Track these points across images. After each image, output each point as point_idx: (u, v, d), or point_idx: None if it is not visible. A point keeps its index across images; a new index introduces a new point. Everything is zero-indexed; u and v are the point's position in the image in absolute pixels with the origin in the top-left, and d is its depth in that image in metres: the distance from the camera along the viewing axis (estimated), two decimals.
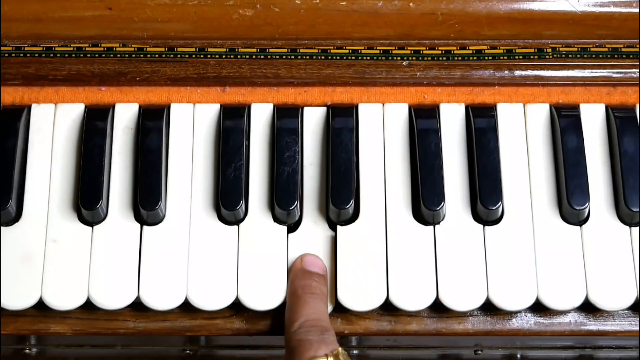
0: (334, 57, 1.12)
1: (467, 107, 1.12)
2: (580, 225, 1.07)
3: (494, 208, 1.06)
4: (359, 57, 1.12)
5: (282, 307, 1.05)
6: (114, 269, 1.05)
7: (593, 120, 1.11)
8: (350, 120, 1.10)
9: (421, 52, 1.12)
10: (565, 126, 1.09)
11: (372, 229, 1.07)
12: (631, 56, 1.12)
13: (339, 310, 1.05)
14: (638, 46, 1.12)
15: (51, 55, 1.12)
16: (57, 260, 1.06)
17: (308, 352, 0.96)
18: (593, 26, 1.12)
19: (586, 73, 1.12)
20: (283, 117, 1.10)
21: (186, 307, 1.05)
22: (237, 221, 1.07)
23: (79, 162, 1.09)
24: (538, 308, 1.05)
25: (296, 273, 1.04)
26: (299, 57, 1.12)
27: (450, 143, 1.10)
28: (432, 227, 1.07)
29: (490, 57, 1.12)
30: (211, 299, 1.05)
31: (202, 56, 1.12)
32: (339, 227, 1.07)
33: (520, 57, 1.12)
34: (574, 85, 1.12)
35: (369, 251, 1.06)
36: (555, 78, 1.12)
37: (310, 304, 1.01)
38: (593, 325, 1.06)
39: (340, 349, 0.97)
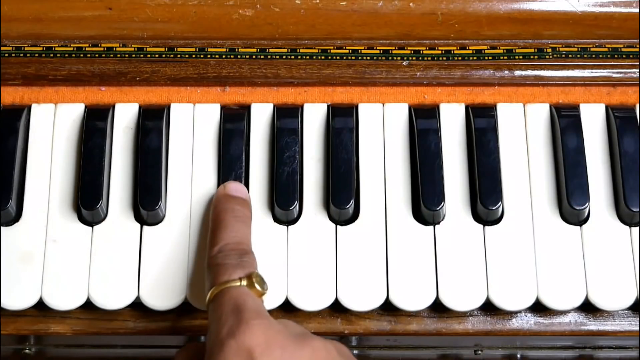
0: (334, 57, 1.12)
1: (467, 107, 1.12)
2: (580, 225, 1.07)
3: (494, 208, 1.06)
4: (359, 57, 1.12)
5: (282, 308, 1.05)
6: (113, 269, 1.05)
7: (593, 120, 1.11)
8: (350, 120, 1.10)
9: (421, 52, 1.12)
10: (565, 126, 1.10)
11: (372, 229, 1.07)
12: (631, 56, 1.12)
13: (339, 310, 1.05)
14: (638, 46, 1.12)
15: (51, 55, 1.12)
16: (57, 260, 1.06)
17: (223, 275, 0.96)
18: (593, 26, 1.12)
19: (586, 73, 1.12)
20: (283, 117, 1.10)
21: (186, 307, 1.05)
22: None
23: (79, 162, 1.09)
24: (538, 308, 1.05)
25: (219, 198, 1.05)
26: (299, 57, 1.12)
27: (450, 143, 1.10)
28: (432, 227, 1.07)
29: (490, 57, 1.12)
30: None
31: (202, 56, 1.12)
32: (339, 227, 1.07)
33: (520, 57, 1.12)
34: (574, 85, 1.12)
35: (369, 251, 1.06)
36: (555, 78, 1.12)
37: (232, 227, 1.01)
38: (593, 325, 1.06)
39: (255, 271, 0.97)
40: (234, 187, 1.06)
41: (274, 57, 1.12)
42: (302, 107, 1.12)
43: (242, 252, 0.99)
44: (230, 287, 0.95)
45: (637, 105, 1.12)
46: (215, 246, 1.00)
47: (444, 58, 1.12)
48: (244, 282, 0.96)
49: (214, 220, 1.03)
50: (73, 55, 1.12)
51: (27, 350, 1.18)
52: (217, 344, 0.90)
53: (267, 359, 0.89)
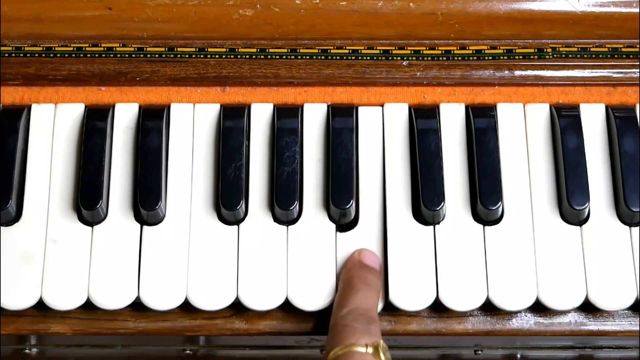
0: (334, 57, 1.12)
1: (467, 107, 1.12)
2: (580, 225, 1.07)
3: (494, 208, 1.06)
4: (359, 57, 1.12)
5: (282, 308, 1.05)
6: (114, 269, 1.05)
7: (593, 120, 1.11)
8: (351, 121, 1.10)
9: (421, 52, 1.12)
10: (565, 126, 1.10)
11: (372, 229, 1.07)
12: (631, 56, 1.12)
13: None
14: (638, 46, 1.12)
15: (51, 55, 1.12)
16: (57, 260, 1.06)
17: (350, 338, 0.96)
18: (593, 26, 1.12)
19: (586, 73, 1.12)
20: (283, 117, 1.10)
21: (186, 307, 1.05)
22: (237, 221, 1.07)
23: (79, 162, 1.09)
24: (538, 308, 1.05)
25: (353, 264, 1.04)
26: (299, 57, 1.12)
27: (450, 143, 1.10)
28: (432, 227, 1.07)
29: (490, 57, 1.12)
30: (211, 299, 1.05)
31: (202, 56, 1.12)
32: (338, 232, 1.07)
33: (520, 57, 1.12)
34: (574, 85, 1.12)
35: None
36: (555, 78, 1.12)
37: (362, 293, 1.01)
38: (593, 325, 1.06)
39: (381, 342, 0.97)
40: (369, 257, 1.05)
41: (274, 57, 1.12)
42: (302, 107, 1.12)
43: (370, 319, 0.99)
44: (356, 352, 0.95)
45: (637, 105, 1.12)
46: (344, 308, 1.00)
47: (444, 58, 1.12)
48: (370, 350, 0.95)
49: (346, 283, 1.03)
50: (73, 55, 1.12)
51: (27, 350, 1.18)
52: None
53: None
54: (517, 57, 1.12)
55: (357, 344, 0.95)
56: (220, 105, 1.12)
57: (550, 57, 1.12)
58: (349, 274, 1.03)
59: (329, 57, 1.12)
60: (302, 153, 1.10)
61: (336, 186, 1.07)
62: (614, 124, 1.10)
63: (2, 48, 1.12)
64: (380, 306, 1.04)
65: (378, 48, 1.12)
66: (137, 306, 1.06)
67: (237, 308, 1.06)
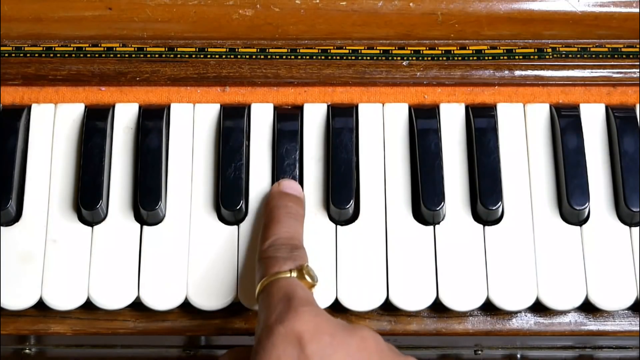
0: (334, 57, 1.12)
1: (467, 107, 1.12)
2: (580, 225, 1.07)
3: (494, 208, 1.06)
4: (359, 57, 1.12)
5: None
6: (114, 269, 1.05)
7: (593, 120, 1.11)
8: (350, 120, 1.10)
9: (421, 52, 1.12)
10: (565, 126, 1.10)
11: (372, 229, 1.07)
12: (631, 56, 1.12)
13: (339, 310, 1.05)
14: (638, 46, 1.12)
15: (51, 55, 1.12)
16: (57, 260, 1.06)
17: (274, 267, 0.97)
18: (593, 26, 1.12)
19: (586, 73, 1.12)
20: (283, 119, 1.11)
21: (186, 307, 1.05)
22: (237, 221, 1.07)
23: (79, 162, 1.09)
24: (538, 308, 1.05)
25: (272, 195, 1.05)
26: (299, 57, 1.12)
27: (450, 143, 1.10)
28: (432, 227, 1.07)
29: (490, 57, 1.12)
30: (211, 299, 1.05)
31: (202, 56, 1.12)
32: (339, 227, 1.07)
33: (520, 57, 1.12)
34: (574, 85, 1.12)
35: (369, 251, 1.06)
36: (555, 78, 1.12)
37: (284, 223, 1.02)
38: (593, 325, 1.06)
39: (305, 264, 0.97)
40: (288, 185, 1.06)
41: (274, 57, 1.12)
42: (302, 107, 1.12)
43: (293, 247, 1.00)
44: (280, 278, 0.95)
45: (637, 105, 1.12)
46: (266, 240, 1.00)
47: (444, 58, 1.12)
48: (294, 274, 0.96)
49: (267, 216, 1.03)
50: (73, 55, 1.12)
51: (27, 350, 1.18)
52: (265, 331, 0.90)
53: (316, 345, 0.88)
54: (517, 57, 1.12)
55: (281, 271, 0.96)
56: (220, 105, 1.12)
57: (550, 57, 1.12)
58: (269, 206, 1.04)
59: (329, 57, 1.12)
60: (302, 153, 1.10)
61: (336, 186, 1.07)
62: (614, 124, 1.10)
63: (2, 48, 1.12)
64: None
65: (378, 48, 1.12)
66: (137, 306, 1.06)
67: (237, 308, 1.06)
